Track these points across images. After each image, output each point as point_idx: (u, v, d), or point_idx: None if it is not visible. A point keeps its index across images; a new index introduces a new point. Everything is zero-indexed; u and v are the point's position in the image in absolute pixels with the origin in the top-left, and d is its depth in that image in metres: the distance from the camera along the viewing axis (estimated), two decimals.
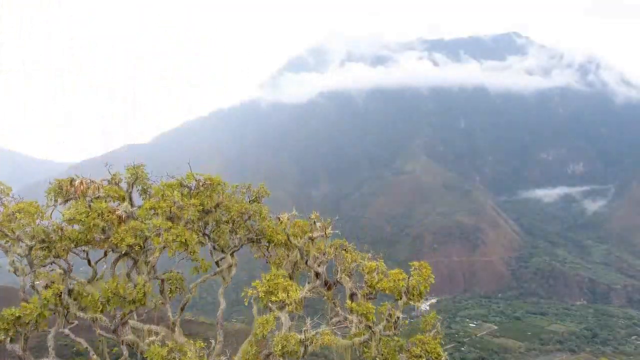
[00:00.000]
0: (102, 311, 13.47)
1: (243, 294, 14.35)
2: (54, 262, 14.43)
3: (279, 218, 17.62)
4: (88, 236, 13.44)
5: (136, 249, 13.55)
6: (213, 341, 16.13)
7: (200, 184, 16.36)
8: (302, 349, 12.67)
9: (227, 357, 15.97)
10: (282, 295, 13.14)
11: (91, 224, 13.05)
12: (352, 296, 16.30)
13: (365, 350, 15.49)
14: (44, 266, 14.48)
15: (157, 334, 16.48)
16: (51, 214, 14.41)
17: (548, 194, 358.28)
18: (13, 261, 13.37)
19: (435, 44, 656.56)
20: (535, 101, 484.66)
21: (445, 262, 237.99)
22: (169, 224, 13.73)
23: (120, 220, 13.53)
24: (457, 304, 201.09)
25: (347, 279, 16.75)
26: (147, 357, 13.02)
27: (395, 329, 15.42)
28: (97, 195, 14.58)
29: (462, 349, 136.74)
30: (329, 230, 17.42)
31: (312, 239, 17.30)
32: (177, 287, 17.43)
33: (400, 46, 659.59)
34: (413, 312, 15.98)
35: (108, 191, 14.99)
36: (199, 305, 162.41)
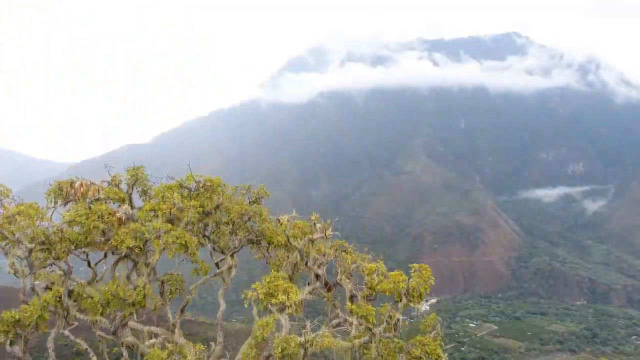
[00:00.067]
0: (102, 314, 13.46)
1: (243, 295, 14.35)
2: (53, 264, 14.43)
3: (279, 220, 17.61)
4: (88, 238, 13.43)
5: (136, 251, 13.55)
6: (213, 343, 16.11)
7: (200, 185, 16.36)
8: (302, 351, 12.67)
9: (227, 359, 15.97)
10: (282, 297, 13.14)
11: (91, 226, 13.05)
12: (352, 298, 16.30)
13: (365, 351, 15.49)
14: (44, 267, 14.48)
15: (157, 335, 16.48)
16: (51, 215, 14.41)
17: (548, 194, 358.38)
18: (13, 263, 13.36)
19: (435, 44, 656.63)
20: (535, 101, 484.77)
21: (445, 262, 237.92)
22: (169, 226, 13.72)
23: (120, 222, 13.52)
24: (457, 304, 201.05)
25: (347, 280, 16.75)
26: (147, 359, 13.03)
27: (395, 330, 15.42)
28: (97, 197, 14.58)
29: (462, 349, 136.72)
30: (329, 232, 17.41)
31: (312, 241, 17.30)
32: (177, 288, 17.41)
33: (400, 46, 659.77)
34: (413, 312, 15.96)
35: (108, 193, 14.99)
36: (199, 305, 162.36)
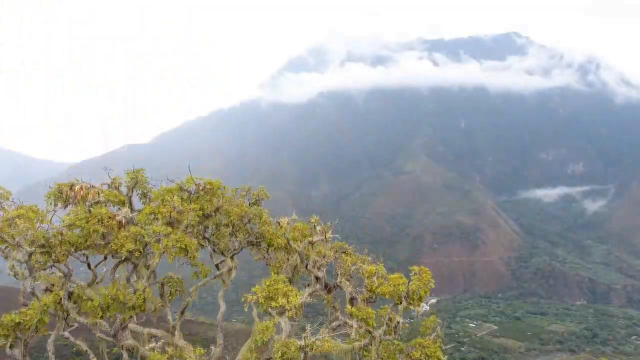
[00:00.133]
0: (102, 317, 13.46)
1: (243, 299, 14.36)
2: (54, 266, 14.44)
3: (278, 222, 17.62)
4: (88, 241, 13.44)
5: (136, 254, 13.56)
6: (213, 346, 16.11)
7: (200, 188, 16.36)
8: (302, 355, 12.68)
9: None
10: (282, 300, 13.14)
11: (91, 229, 13.05)
12: (352, 300, 16.30)
13: (365, 354, 15.50)
14: (44, 270, 14.48)
15: (157, 337, 16.48)
16: (51, 218, 14.42)
17: (548, 194, 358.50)
18: (13, 266, 13.37)
19: (435, 44, 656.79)
20: (535, 101, 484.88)
21: (445, 262, 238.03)
22: (169, 229, 13.73)
23: (120, 226, 13.53)
24: (457, 304, 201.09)
25: (347, 283, 16.75)
26: None
27: (395, 333, 15.43)
28: (97, 200, 14.58)
29: (462, 349, 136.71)
30: (329, 235, 17.42)
31: (312, 243, 17.30)
32: (177, 290, 17.42)
33: (400, 46, 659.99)
34: (413, 313, 15.97)
35: (108, 196, 15.00)
36: (199, 306, 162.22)
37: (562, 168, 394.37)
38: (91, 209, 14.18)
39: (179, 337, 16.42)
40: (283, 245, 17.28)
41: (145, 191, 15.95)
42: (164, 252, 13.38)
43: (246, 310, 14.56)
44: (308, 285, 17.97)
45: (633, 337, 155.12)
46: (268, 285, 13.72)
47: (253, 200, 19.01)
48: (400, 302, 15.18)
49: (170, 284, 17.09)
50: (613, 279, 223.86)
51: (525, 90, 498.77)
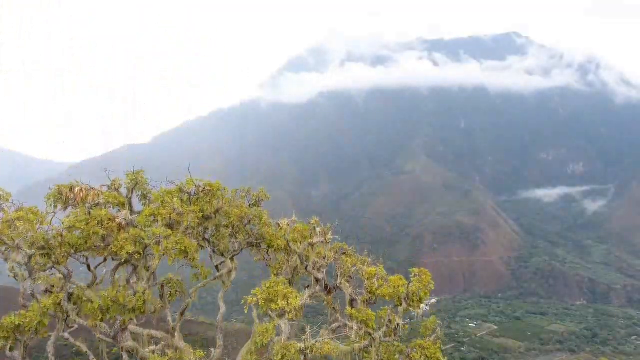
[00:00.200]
0: (102, 319, 13.46)
1: (243, 301, 14.37)
2: (53, 267, 14.43)
3: (278, 224, 17.61)
4: (88, 243, 13.45)
5: (136, 256, 13.56)
6: (213, 349, 16.11)
7: (200, 189, 16.36)
8: (302, 358, 12.67)
9: None
10: (282, 303, 13.14)
11: (91, 231, 13.05)
12: (352, 302, 16.30)
13: (365, 355, 15.50)
14: (44, 271, 14.48)
15: (156, 339, 16.47)
16: (51, 219, 14.41)
17: (548, 194, 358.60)
18: (13, 267, 13.37)
19: (435, 44, 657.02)
20: (535, 101, 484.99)
21: (445, 262, 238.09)
22: (169, 231, 13.72)
23: (120, 228, 13.53)
24: (457, 304, 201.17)
25: (347, 284, 16.75)
26: None
27: (395, 335, 15.43)
28: (96, 202, 14.58)
29: (462, 349, 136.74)
30: (329, 236, 17.42)
31: (312, 245, 17.30)
32: (176, 291, 17.41)
33: (400, 46, 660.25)
34: (413, 313, 15.99)
35: (108, 197, 15.00)
36: (199, 306, 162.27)
37: (562, 168, 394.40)
38: (91, 210, 14.17)
39: (178, 339, 16.41)
40: (283, 246, 17.28)
41: (145, 193, 15.94)
42: (163, 254, 13.38)
43: (246, 312, 14.57)
44: (308, 286, 17.97)
45: (633, 337, 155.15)
46: (268, 287, 13.72)
47: (253, 202, 18.99)
48: (400, 304, 15.18)
49: (170, 284, 17.09)
50: (613, 279, 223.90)
51: (525, 90, 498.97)
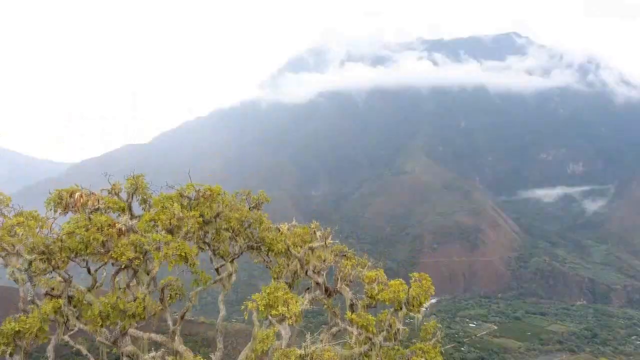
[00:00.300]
0: (102, 326, 13.46)
1: (243, 307, 14.37)
2: (54, 271, 14.42)
3: (278, 229, 17.60)
4: (88, 249, 13.44)
5: (136, 262, 13.56)
6: (212, 355, 16.11)
7: (200, 194, 16.35)
8: None
9: None
10: (282, 309, 13.15)
11: (91, 237, 13.05)
12: (352, 306, 16.29)
13: (366, 359, 15.49)
14: (44, 275, 14.46)
15: (157, 342, 16.46)
16: (51, 224, 14.39)
17: (548, 194, 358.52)
18: (13, 272, 13.37)
19: (435, 44, 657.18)
20: (535, 101, 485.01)
21: (445, 262, 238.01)
22: (169, 237, 13.72)
23: (120, 234, 13.52)
24: (457, 304, 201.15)
25: (347, 288, 16.75)
26: None
27: (395, 340, 15.43)
28: (96, 207, 14.58)
29: (462, 349, 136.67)
30: (329, 240, 17.41)
31: (312, 249, 17.29)
32: (176, 293, 17.41)
33: (400, 46, 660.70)
34: (412, 314, 16.01)
35: (108, 202, 14.99)
36: (199, 306, 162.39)
37: (562, 168, 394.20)
38: (91, 216, 14.17)
39: (179, 343, 16.40)
40: (283, 250, 17.28)
41: (145, 197, 15.93)
42: (163, 260, 13.38)
43: (246, 318, 14.57)
44: (308, 289, 17.95)
45: (633, 337, 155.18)
46: (268, 293, 13.73)
47: (253, 204, 18.99)
48: (401, 308, 15.18)
49: (170, 287, 17.09)
50: (613, 279, 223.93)
51: (525, 90, 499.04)
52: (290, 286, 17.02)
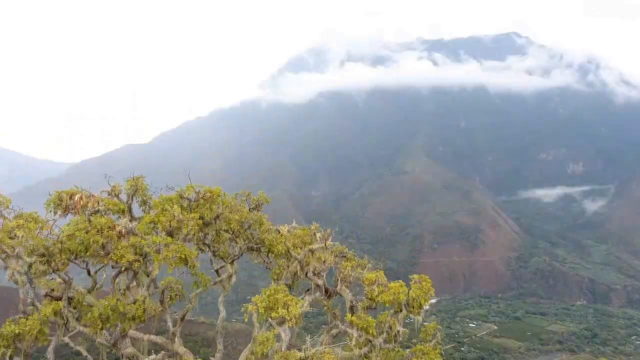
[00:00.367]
0: (102, 328, 13.46)
1: (243, 309, 14.38)
2: (54, 272, 14.41)
3: (278, 231, 17.61)
4: (88, 252, 13.44)
5: (136, 264, 13.56)
6: (212, 358, 16.11)
7: (200, 196, 16.34)
8: None
9: None
10: (282, 311, 13.15)
11: (91, 240, 13.05)
12: (352, 308, 16.29)
13: None
14: (44, 276, 14.45)
15: (157, 344, 16.46)
16: (52, 226, 14.39)
17: (548, 194, 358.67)
18: (12, 274, 13.36)
19: (435, 44, 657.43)
20: (535, 101, 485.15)
21: (445, 262, 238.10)
22: (168, 239, 13.72)
23: (120, 236, 13.52)
24: (457, 304, 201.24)
25: (347, 290, 16.76)
26: None
27: (395, 342, 15.44)
28: (96, 209, 14.57)
29: (462, 349, 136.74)
30: (329, 242, 17.41)
31: (312, 251, 17.29)
32: (176, 294, 17.41)
33: (400, 46, 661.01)
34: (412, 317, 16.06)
35: (108, 204, 14.98)
36: (199, 306, 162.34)
37: (562, 168, 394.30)
38: (91, 218, 14.16)
39: (179, 344, 16.39)
40: (283, 252, 17.28)
41: (145, 199, 15.92)
42: (163, 262, 13.39)
43: (246, 320, 14.57)
44: (308, 290, 17.95)
45: (633, 337, 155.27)
46: (268, 296, 13.74)
47: (253, 205, 18.98)
48: (401, 310, 15.19)
49: (170, 288, 17.09)
50: (613, 279, 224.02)
51: (525, 90, 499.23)
52: (290, 288, 17.03)
